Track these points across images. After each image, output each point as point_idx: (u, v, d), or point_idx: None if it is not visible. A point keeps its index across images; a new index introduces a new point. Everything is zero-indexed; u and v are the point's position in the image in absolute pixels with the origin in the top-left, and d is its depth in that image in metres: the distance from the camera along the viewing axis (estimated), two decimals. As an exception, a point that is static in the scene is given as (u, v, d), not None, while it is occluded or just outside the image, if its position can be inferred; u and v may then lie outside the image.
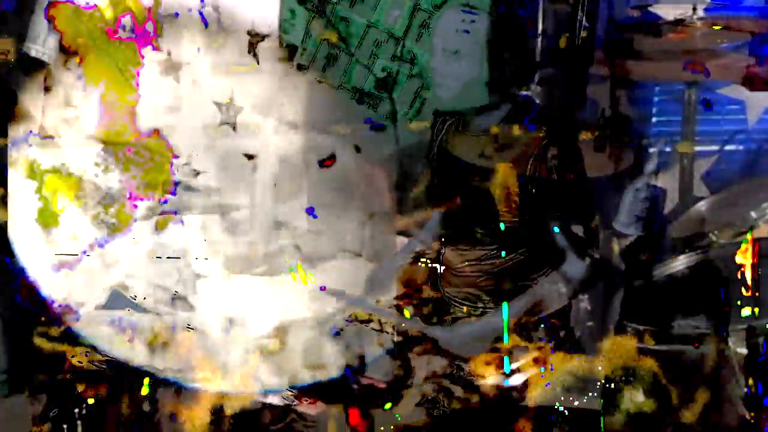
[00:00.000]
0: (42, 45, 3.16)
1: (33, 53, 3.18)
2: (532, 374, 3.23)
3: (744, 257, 3.19)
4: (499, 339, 3.24)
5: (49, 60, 3.19)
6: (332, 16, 3.27)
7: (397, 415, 3.25)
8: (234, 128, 3.25)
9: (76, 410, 3.20)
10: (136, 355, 3.26)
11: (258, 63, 3.25)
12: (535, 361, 3.19)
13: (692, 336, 3.25)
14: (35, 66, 3.19)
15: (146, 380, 3.26)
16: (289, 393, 3.28)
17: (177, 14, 3.22)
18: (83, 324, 3.23)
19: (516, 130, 3.28)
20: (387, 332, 3.29)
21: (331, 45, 3.28)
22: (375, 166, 3.31)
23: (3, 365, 3.27)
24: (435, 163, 3.30)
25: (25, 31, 3.18)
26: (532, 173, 3.26)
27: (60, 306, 3.23)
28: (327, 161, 3.19)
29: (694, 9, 3.38)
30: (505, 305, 3.23)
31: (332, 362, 3.30)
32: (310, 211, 3.28)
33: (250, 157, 3.26)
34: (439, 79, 3.33)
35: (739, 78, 3.39)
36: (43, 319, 3.24)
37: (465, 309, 3.28)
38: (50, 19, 3.17)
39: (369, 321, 3.29)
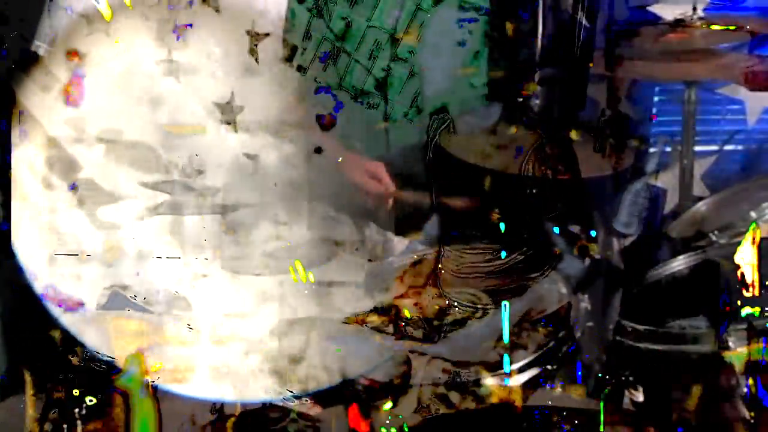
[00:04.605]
0: (50, 44, 3.16)
1: (41, 52, 3.17)
2: (532, 374, 3.23)
3: (744, 257, 3.20)
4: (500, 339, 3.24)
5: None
6: (332, 16, 3.27)
7: (400, 416, 3.25)
8: (234, 128, 3.25)
9: (76, 410, 3.20)
10: (136, 355, 3.26)
11: (258, 63, 3.25)
12: None
13: (692, 336, 3.26)
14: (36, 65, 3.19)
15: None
16: (289, 393, 3.28)
17: None
18: (83, 324, 3.23)
19: (513, 130, 3.28)
20: (387, 332, 3.29)
21: (331, 45, 3.28)
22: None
23: (3, 366, 3.27)
24: (432, 164, 3.30)
25: (28, 30, 3.17)
26: (528, 172, 3.27)
27: (60, 306, 3.23)
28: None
29: (694, 9, 3.39)
30: (505, 305, 3.23)
31: (333, 363, 3.30)
32: (308, 209, 3.29)
33: (250, 156, 3.26)
34: (438, 78, 3.33)
35: (739, 78, 3.40)
36: (42, 319, 3.24)
37: (465, 311, 3.29)
38: None
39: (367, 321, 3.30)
